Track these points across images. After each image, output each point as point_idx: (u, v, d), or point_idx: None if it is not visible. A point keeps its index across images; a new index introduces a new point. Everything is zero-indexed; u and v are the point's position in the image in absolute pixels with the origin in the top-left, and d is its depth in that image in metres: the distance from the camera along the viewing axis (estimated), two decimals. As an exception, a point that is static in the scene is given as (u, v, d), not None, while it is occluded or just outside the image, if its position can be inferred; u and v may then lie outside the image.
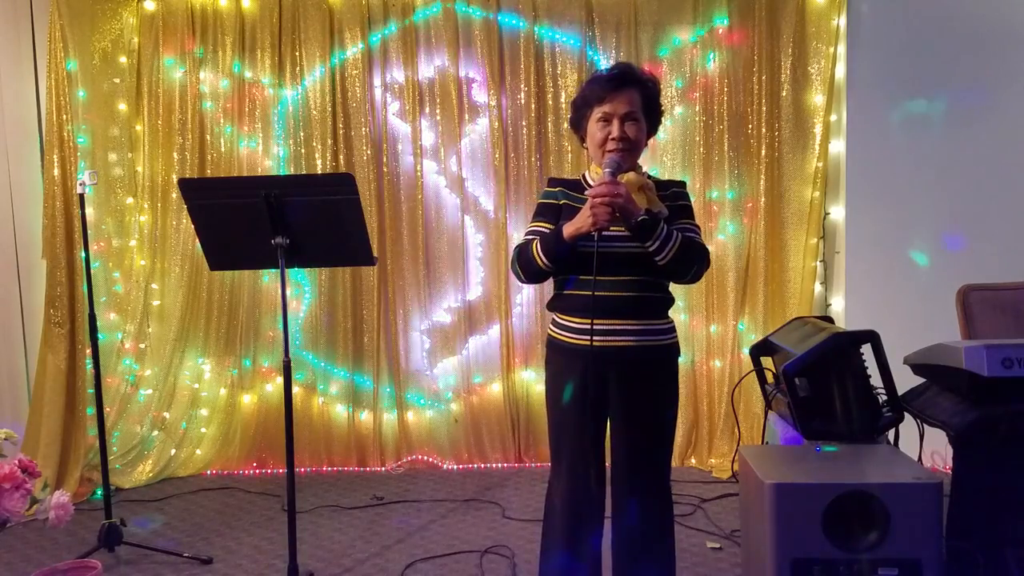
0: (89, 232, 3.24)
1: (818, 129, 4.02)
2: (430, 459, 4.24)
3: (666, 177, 4.08)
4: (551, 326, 2.31)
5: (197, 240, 2.81)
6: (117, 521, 3.08)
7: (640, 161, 4.22)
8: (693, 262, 2.17)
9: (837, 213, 4.07)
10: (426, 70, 4.15)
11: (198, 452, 4.18)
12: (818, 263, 4.08)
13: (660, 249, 2.11)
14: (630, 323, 2.17)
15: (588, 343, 2.13)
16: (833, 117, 4.05)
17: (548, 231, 2.19)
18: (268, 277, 4.20)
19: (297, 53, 4.13)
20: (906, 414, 2.55)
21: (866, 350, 2.58)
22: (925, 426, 2.52)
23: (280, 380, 3.46)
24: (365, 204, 3.66)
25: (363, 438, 4.24)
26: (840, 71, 4.01)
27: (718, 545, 3.15)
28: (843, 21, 3.97)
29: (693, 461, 4.13)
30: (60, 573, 2.47)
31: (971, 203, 3.90)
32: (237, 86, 4.15)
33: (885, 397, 2.59)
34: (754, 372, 3.05)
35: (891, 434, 2.60)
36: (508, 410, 4.19)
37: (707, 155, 4.10)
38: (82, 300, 3.72)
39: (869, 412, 2.53)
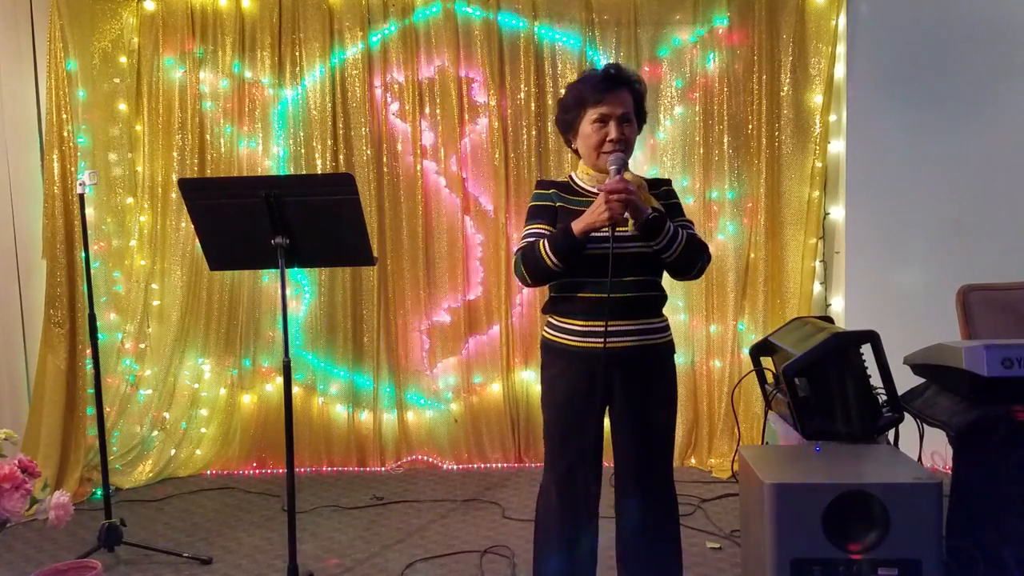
0: (89, 232, 3.24)
1: (818, 129, 4.02)
2: (430, 459, 4.24)
3: (665, 176, 4.12)
4: (548, 329, 2.29)
5: (197, 240, 2.81)
6: (117, 521, 3.08)
7: (640, 161, 4.26)
8: (697, 258, 2.20)
9: (837, 213, 4.07)
10: (426, 70, 4.15)
11: (198, 452, 4.18)
12: (818, 263, 4.08)
13: (668, 247, 2.13)
14: (632, 323, 2.17)
15: (594, 345, 2.14)
16: (833, 117, 4.05)
17: (555, 230, 2.17)
18: (268, 277, 4.20)
19: (297, 53, 4.13)
20: (906, 414, 2.55)
21: (866, 350, 2.58)
22: (925, 426, 2.52)
23: (280, 380, 3.46)
24: (365, 204, 3.66)
25: (363, 438, 4.24)
26: (840, 71, 4.01)
27: (718, 545, 3.15)
28: (843, 21, 3.97)
29: (693, 461, 4.13)
30: (60, 573, 2.47)
31: (971, 203, 3.90)
32: (237, 86, 4.15)
33: (885, 397, 2.59)
34: (754, 372, 3.05)
35: (891, 434, 2.60)
36: (508, 410, 4.19)
37: (707, 155, 4.10)
38: (82, 300, 3.72)
39: (869, 412, 2.53)
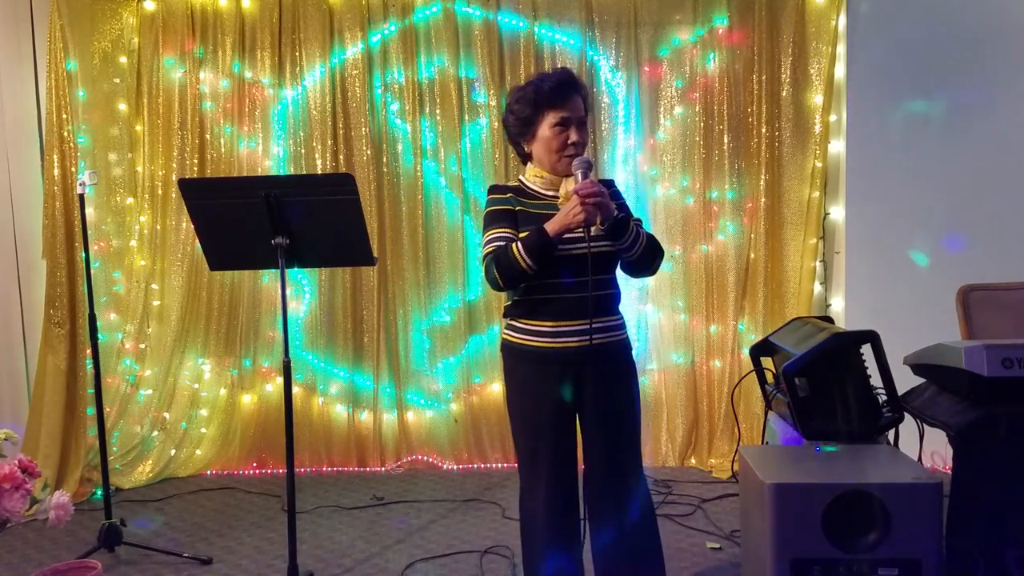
0: (89, 232, 3.24)
1: (818, 129, 4.02)
2: (430, 459, 4.24)
3: (665, 177, 4.13)
4: (511, 333, 2.28)
5: (197, 240, 2.81)
6: (117, 521, 3.08)
7: (640, 161, 4.26)
8: (657, 256, 2.27)
9: (837, 213, 4.07)
10: (426, 70, 4.15)
11: (198, 452, 4.18)
12: (818, 263, 4.07)
13: (632, 246, 2.18)
14: (598, 320, 2.17)
15: (566, 345, 2.17)
16: (833, 117, 4.05)
17: (527, 233, 2.16)
18: (268, 277, 4.20)
19: (297, 53, 4.14)
20: (906, 414, 2.55)
21: (866, 350, 2.58)
22: (925, 426, 2.52)
23: (280, 380, 3.46)
24: (365, 204, 3.66)
25: (363, 438, 4.24)
26: (840, 71, 4.01)
27: (718, 545, 3.15)
28: (843, 21, 3.97)
29: (693, 461, 4.13)
30: (60, 573, 2.47)
31: (971, 203, 3.90)
32: (237, 86, 4.15)
33: (885, 397, 2.59)
34: (754, 372, 3.05)
35: (891, 434, 2.60)
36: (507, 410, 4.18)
37: (707, 155, 4.10)
38: (82, 300, 3.72)
39: (869, 412, 2.53)
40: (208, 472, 4.17)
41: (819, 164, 4.01)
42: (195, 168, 4.14)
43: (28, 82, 3.92)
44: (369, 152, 4.15)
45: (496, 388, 4.22)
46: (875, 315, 3.61)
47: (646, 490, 2.32)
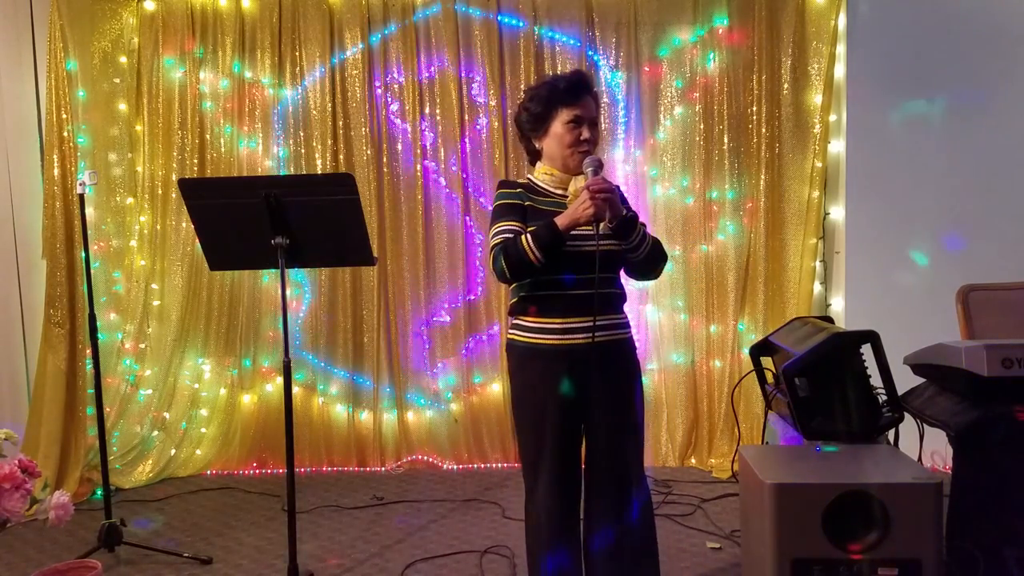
0: (89, 232, 3.24)
1: (818, 129, 4.02)
2: (430, 459, 4.24)
3: (665, 177, 4.13)
4: (516, 331, 2.28)
5: (197, 240, 2.81)
6: (117, 521, 3.08)
7: (640, 161, 4.26)
8: (661, 260, 2.30)
9: (837, 213, 4.07)
10: (426, 70, 4.15)
11: (198, 452, 4.19)
12: (818, 263, 4.08)
13: (638, 246, 2.20)
14: (605, 318, 2.20)
15: (574, 342, 2.18)
16: (833, 117, 4.05)
17: (537, 226, 2.17)
18: (268, 277, 4.20)
19: (297, 53, 4.14)
20: (906, 414, 2.55)
21: (866, 350, 2.58)
22: (925, 426, 2.52)
23: (280, 380, 3.46)
24: (365, 204, 3.66)
25: (363, 438, 4.24)
26: (840, 71, 4.01)
27: (718, 545, 3.15)
28: (843, 21, 3.97)
29: (693, 461, 4.13)
30: (60, 573, 2.47)
31: (971, 203, 3.90)
32: (237, 86, 4.15)
33: (885, 397, 2.59)
34: (754, 372, 3.05)
35: (891, 434, 2.60)
36: (508, 410, 4.19)
37: (707, 155, 4.10)
38: (82, 300, 3.72)
39: (869, 412, 2.53)
40: (208, 472, 4.17)
41: (819, 164, 4.01)
42: (195, 168, 4.14)
43: (28, 82, 3.92)
44: (369, 152, 4.15)
45: (496, 388, 4.23)
46: (875, 315, 3.61)
47: (647, 491, 2.32)
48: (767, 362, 3.04)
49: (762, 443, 3.36)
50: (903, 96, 3.93)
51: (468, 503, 3.69)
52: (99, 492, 3.54)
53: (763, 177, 4.06)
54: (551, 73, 4.11)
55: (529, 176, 2.36)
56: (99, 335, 3.20)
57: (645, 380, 4.10)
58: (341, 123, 4.15)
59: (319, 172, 4.12)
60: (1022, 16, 3.87)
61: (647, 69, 4.12)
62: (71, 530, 3.35)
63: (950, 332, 3.05)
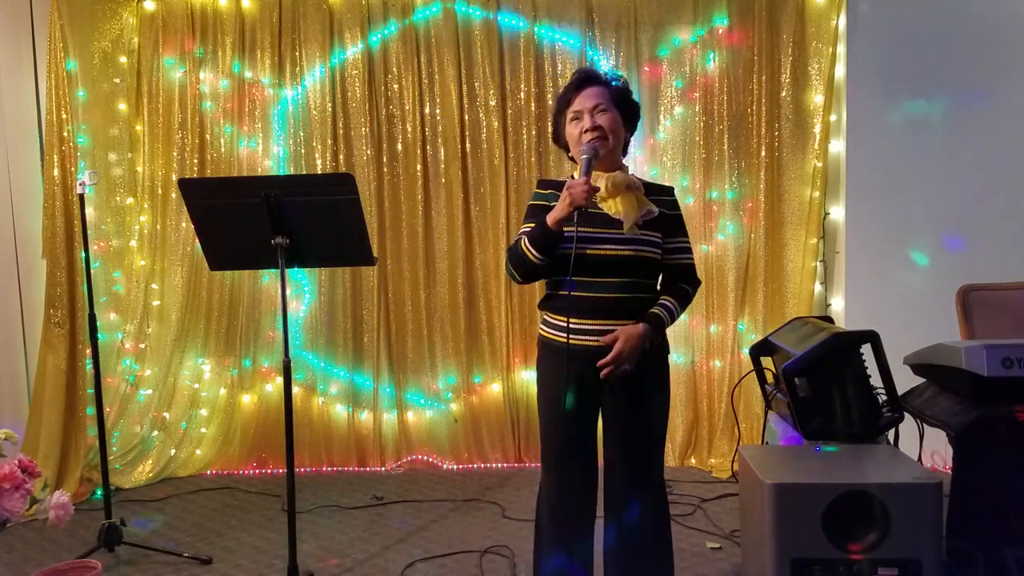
0: (89, 232, 3.24)
1: (818, 129, 4.02)
2: (430, 459, 4.24)
3: (665, 177, 4.12)
4: (543, 326, 2.31)
5: (197, 240, 2.81)
6: (117, 521, 3.08)
7: (640, 161, 4.25)
8: (688, 305, 2.31)
9: (837, 213, 4.07)
10: (426, 70, 4.15)
11: (198, 452, 4.18)
12: (818, 263, 4.08)
13: (672, 322, 2.25)
14: (623, 324, 2.18)
15: (585, 343, 2.17)
16: (833, 117, 4.05)
17: (533, 226, 2.20)
18: (268, 277, 4.20)
19: (297, 53, 4.14)
20: (906, 414, 2.55)
21: (866, 350, 2.58)
22: (925, 426, 2.53)
23: (280, 380, 3.46)
24: (365, 204, 3.66)
25: (363, 438, 4.24)
26: (840, 71, 4.01)
27: (718, 545, 3.15)
28: (843, 21, 3.97)
29: (693, 461, 4.13)
30: (60, 573, 2.47)
31: (971, 203, 3.90)
32: (237, 86, 4.15)
33: (885, 397, 2.59)
34: (754, 372, 3.05)
35: (891, 434, 2.60)
36: (508, 410, 4.19)
37: (707, 155, 4.10)
38: (82, 300, 3.72)
39: (869, 412, 2.53)
40: (208, 472, 4.17)
41: (819, 164, 4.01)
42: (195, 168, 4.14)
43: (28, 82, 3.92)
44: (369, 152, 4.15)
45: (496, 388, 4.23)
46: (875, 315, 3.61)
47: (662, 496, 2.30)
48: (767, 362, 3.05)
49: (762, 443, 3.35)
50: (903, 96, 3.93)
51: (468, 503, 3.69)
52: (99, 492, 3.54)
53: (763, 177, 4.06)
54: (551, 73, 4.13)
55: (573, 175, 2.35)
56: (99, 335, 3.20)
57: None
58: (341, 123, 4.15)
59: (319, 172, 4.12)
60: (1022, 16, 3.87)
61: (647, 69, 4.12)
62: (71, 530, 3.35)
63: (950, 332, 3.05)
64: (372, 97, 4.16)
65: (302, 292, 4.25)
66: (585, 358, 2.18)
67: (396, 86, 4.16)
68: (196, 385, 4.22)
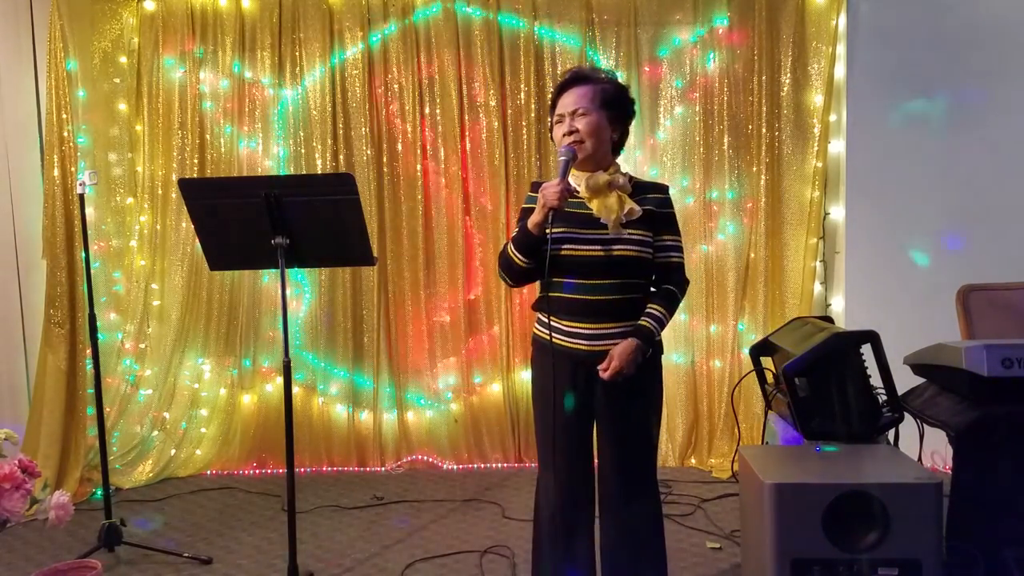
0: (89, 232, 3.24)
1: (818, 129, 4.02)
2: (430, 459, 4.24)
3: (665, 177, 4.12)
4: (537, 326, 2.31)
5: (197, 240, 2.81)
6: (117, 521, 3.08)
7: (640, 161, 4.24)
8: (676, 309, 2.30)
9: (837, 213, 4.07)
10: (426, 70, 4.15)
11: (198, 452, 4.18)
12: (818, 263, 4.07)
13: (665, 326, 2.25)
14: (615, 325, 2.18)
15: (575, 347, 2.18)
16: (833, 117, 4.05)
17: (517, 229, 2.21)
18: (268, 277, 4.20)
19: (297, 53, 4.14)
20: (906, 414, 2.55)
21: (866, 350, 2.58)
22: (925, 426, 2.52)
23: (280, 380, 3.46)
24: (365, 204, 3.66)
25: (363, 438, 4.24)
26: (840, 71, 4.01)
27: (718, 545, 3.15)
28: (843, 21, 3.97)
29: (693, 461, 4.13)
30: (60, 573, 2.47)
31: (971, 203, 3.90)
32: (237, 86, 4.15)
33: (885, 397, 2.59)
34: (754, 372, 3.05)
35: (891, 434, 2.60)
36: (508, 410, 4.19)
37: (707, 155, 4.10)
38: (82, 300, 3.72)
39: (869, 412, 2.53)
40: (208, 472, 4.17)
41: (819, 164, 4.01)
42: (195, 168, 4.14)
43: (28, 82, 3.92)
44: (369, 152, 4.15)
45: (496, 388, 4.23)
46: (875, 315, 3.61)
47: (654, 497, 2.31)
48: (767, 362, 3.05)
49: (762, 443, 3.36)
50: (903, 96, 3.93)
51: (468, 503, 3.69)
52: (99, 492, 3.54)
53: (763, 177, 4.06)
54: (551, 73, 4.13)
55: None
56: (99, 335, 3.20)
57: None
58: (341, 123, 4.15)
59: (319, 172, 4.12)
60: (1022, 16, 3.87)
61: (647, 69, 4.12)
62: (71, 530, 3.35)
63: (950, 332, 3.05)
64: (372, 97, 4.16)
65: (302, 292, 4.25)
66: (577, 360, 2.19)
67: (396, 86, 4.16)
68: (196, 385, 4.22)
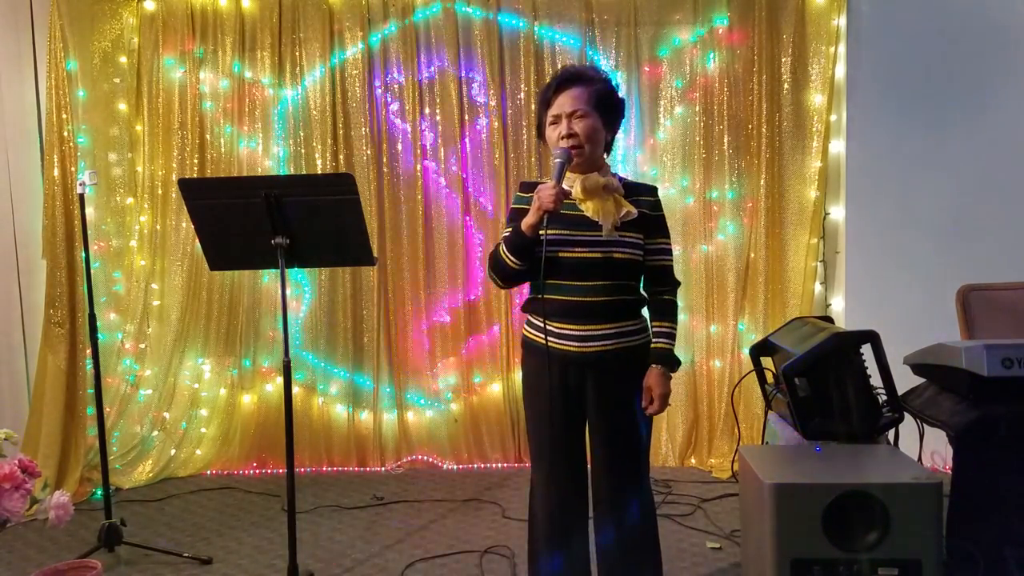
0: (89, 232, 3.24)
1: (818, 129, 4.02)
2: (430, 459, 4.24)
3: (665, 177, 4.12)
4: (527, 328, 2.31)
5: (197, 240, 2.81)
6: (117, 521, 3.08)
7: (640, 161, 4.24)
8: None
9: (837, 213, 4.07)
10: (426, 70, 4.15)
11: (198, 452, 4.18)
12: (818, 263, 4.07)
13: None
14: (607, 327, 2.18)
15: (565, 348, 2.18)
16: (833, 117, 4.05)
17: (510, 230, 2.20)
18: (268, 277, 4.20)
19: (297, 53, 4.14)
20: (906, 414, 2.55)
21: (866, 350, 2.58)
22: (925, 426, 2.53)
23: (280, 380, 3.46)
24: (365, 204, 3.65)
25: (363, 438, 4.24)
26: (840, 71, 4.01)
27: (718, 545, 3.15)
28: (843, 21, 3.97)
29: (693, 461, 4.13)
30: (60, 573, 2.47)
31: (971, 203, 3.90)
32: (237, 86, 4.15)
33: (885, 397, 2.59)
34: (754, 372, 3.05)
35: (891, 434, 2.60)
36: (508, 410, 4.19)
37: (707, 155, 4.10)
38: (82, 300, 3.72)
39: (869, 412, 2.53)
40: (208, 472, 4.17)
41: (819, 164, 4.01)
42: (195, 168, 4.14)
43: (28, 82, 3.92)
44: (369, 152, 4.15)
45: (496, 388, 4.23)
46: (875, 315, 3.61)
47: (648, 495, 2.31)
48: (767, 362, 3.05)
49: (762, 443, 3.35)
50: (903, 96, 3.93)
51: (468, 503, 3.69)
52: (99, 492, 3.54)
53: (763, 177, 4.06)
54: (551, 73, 4.12)
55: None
56: (99, 335, 3.19)
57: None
58: (341, 123, 4.15)
59: (319, 172, 4.12)
60: (1022, 16, 3.87)
61: (647, 69, 4.12)
62: (71, 530, 3.35)
63: (950, 332, 3.05)
64: (372, 97, 4.16)
65: (302, 292, 4.25)
66: (568, 361, 2.19)
67: (396, 86, 4.16)
68: (196, 385, 4.22)
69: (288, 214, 2.53)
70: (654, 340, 2.25)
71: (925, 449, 2.59)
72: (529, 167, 4.13)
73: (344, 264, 3.83)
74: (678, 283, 2.33)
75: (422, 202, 4.18)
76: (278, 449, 4.14)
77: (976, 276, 3.18)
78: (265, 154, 4.19)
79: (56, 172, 3.75)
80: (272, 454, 4.21)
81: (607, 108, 2.23)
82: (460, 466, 4.21)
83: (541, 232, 2.10)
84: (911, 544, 2.02)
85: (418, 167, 4.17)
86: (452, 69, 4.11)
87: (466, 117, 4.15)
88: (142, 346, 4.18)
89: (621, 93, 2.37)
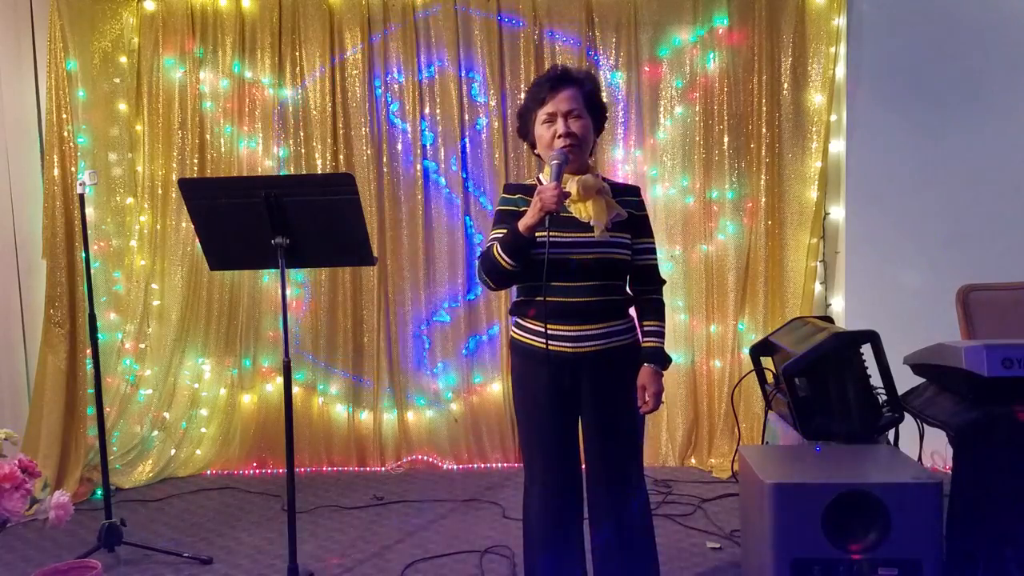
0: (89, 232, 3.24)
1: (818, 129, 4.02)
2: (430, 459, 4.24)
3: (665, 177, 4.13)
4: (516, 330, 2.31)
5: (197, 240, 2.81)
6: (117, 521, 3.08)
7: (640, 161, 4.25)
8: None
9: (837, 213, 4.07)
10: (426, 70, 4.15)
11: (198, 452, 4.18)
12: (818, 263, 4.07)
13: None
14: (597, 327, 2.19)
15: (557, 349, 2.18)
16: (833, 117, 4.05)
17: (505, 231, 2.18)
18: (268, 277, 4.20)
19: (297, 53, 4.14)
20: (906, 414, 2.56)
21: (866, 350, 2.58)
22: (925, 426, 2.53)
23: (280, 380, 3.46)
24: (365, 204, 3.66)
25: (363, 438, 4.24)
26: (840, 71, 4.01)
27: (718, 545, 3.15)
28: (843, 21, 3.97)
29: (693, 461, 4.13)
30: (60, 573, 2.46)
31: (971, 203, 3.90)
32: (237, 86, 4.15)
33: (885, 397, 2.59)
34: (754, 372, 3.06)
35: (891, 434, 2.60)
36: (508, 410, 4.19)
37: (707, 155, 4.10)
38: (82, 300, 3.72)
39: (869, 412, 2.53)
40: (208, 472, 4.17)
41: (819, 164, 4.01)
42: (195, 168, 4.14)
43: (28, 82, 3.92)
44: (369, 152, 4.15)
45: (496, 388, 4.23)
46: (875, 315, 3.61)
47: (643, 493, 2.31)
48: (767, 362, 3.05)
49: (762, 443, 3.36)
50: (903, 96, 3.93)
51: (468, 503, 3.69)
52: (99, 492, 3.54)
53: (763, 177, 4.06)
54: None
55: (539, 176, 2.35)
56: (99, 335, 3.19)
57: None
58: (341, 123, 4.15)
59: (319, 172, 4.12)
60: (1022, 16, 3.87)
61: (647, 69, 4.12)
62: (71, 530, 3.35)
63: (950, 332, 3.05)
64: (372, 97, 4.16)
65: (302, 292, 4.25)
66: (560, 361, 2.19)
67: (396, 86, 4.16)
68: (196, 385, 4.22)
69: (288, 214, 2.53)
70: (644, 339, 2.26)
71: (925, 449, 2.59)
72: (529, 167, 4.13)
73: (344, 264, 3.84)
74: (663, 281, 2.34)
75: (422, 202, 4.18)
76: (278, 449, 4.14)
77: (976, 276, 3.18)
78: (265, 154, 4.19)
79: (56, 172, 3.75)
80: (272, 454, 4.21)
81: (595, 110, 2.25)
82: (460, 466, 4.21)
83: (541, 233, 2.09)
84: (911, 544, 2.02)
85: (418, 167, 4.17)
86: (452, 69, 4.11)
87: (466, 117, 4.15)
88: (142, 346, 4.18)
89: (620, 94, 2.37)
